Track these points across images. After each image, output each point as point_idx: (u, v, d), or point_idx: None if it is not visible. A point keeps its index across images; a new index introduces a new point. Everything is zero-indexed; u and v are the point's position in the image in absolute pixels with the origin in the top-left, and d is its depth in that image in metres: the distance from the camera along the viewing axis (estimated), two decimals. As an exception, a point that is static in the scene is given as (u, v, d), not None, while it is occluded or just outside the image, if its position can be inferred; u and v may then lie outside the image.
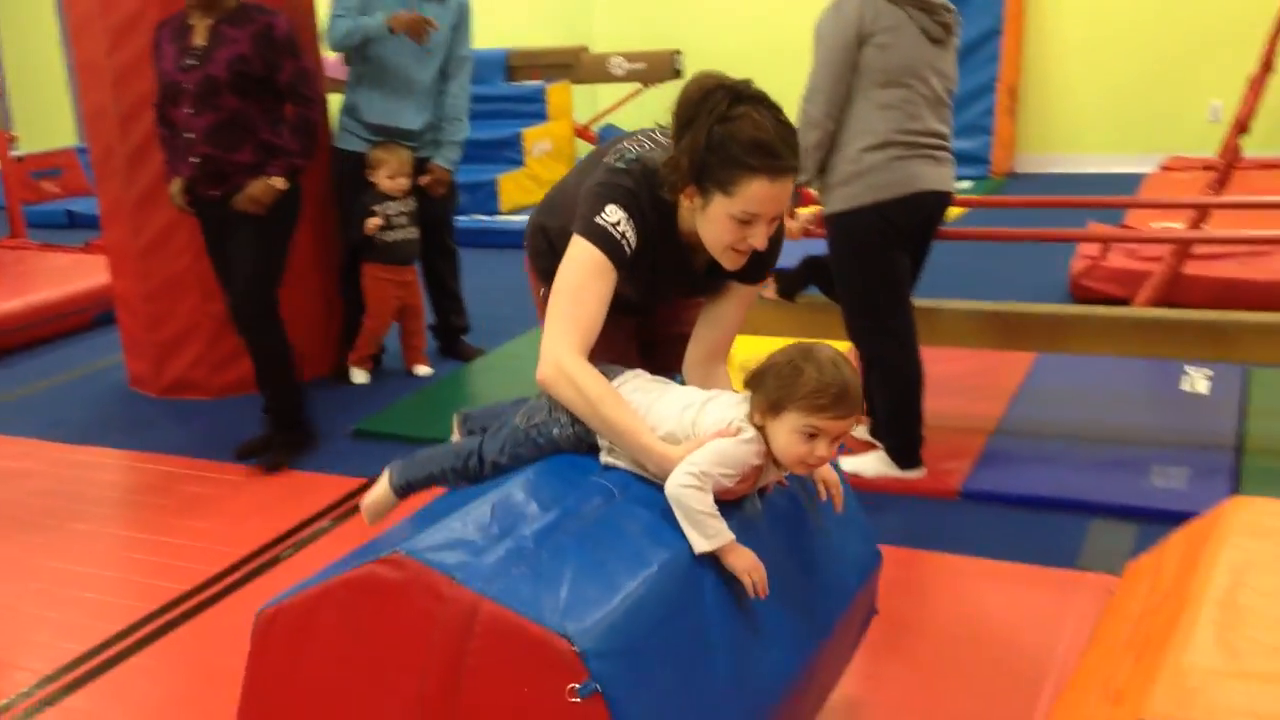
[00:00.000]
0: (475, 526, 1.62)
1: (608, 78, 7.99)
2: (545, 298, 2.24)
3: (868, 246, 3.08)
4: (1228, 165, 4.51)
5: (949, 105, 3.13)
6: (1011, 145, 8.13)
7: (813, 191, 3.27)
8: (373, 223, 4.31)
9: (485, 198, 7.20)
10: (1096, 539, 2.97)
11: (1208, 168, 6.61)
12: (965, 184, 7.72)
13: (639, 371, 1.98)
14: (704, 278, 2.10)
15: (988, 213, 6.48)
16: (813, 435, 1.72)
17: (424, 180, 4.47)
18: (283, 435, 3.75)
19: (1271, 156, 6.91)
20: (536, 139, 7.67)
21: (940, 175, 3.09)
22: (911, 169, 3.04)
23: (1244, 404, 3.72)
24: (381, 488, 2.16)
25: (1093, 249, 5.03)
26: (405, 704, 1.52)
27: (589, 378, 1.85)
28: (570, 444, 1.91)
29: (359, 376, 4.51)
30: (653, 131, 2.07)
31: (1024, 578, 2.73)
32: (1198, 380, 3.94)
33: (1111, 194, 6.38)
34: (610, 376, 1.90)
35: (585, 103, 8.28)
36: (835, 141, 3.06)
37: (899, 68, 3.01)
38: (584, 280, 1.91)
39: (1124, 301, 4.62)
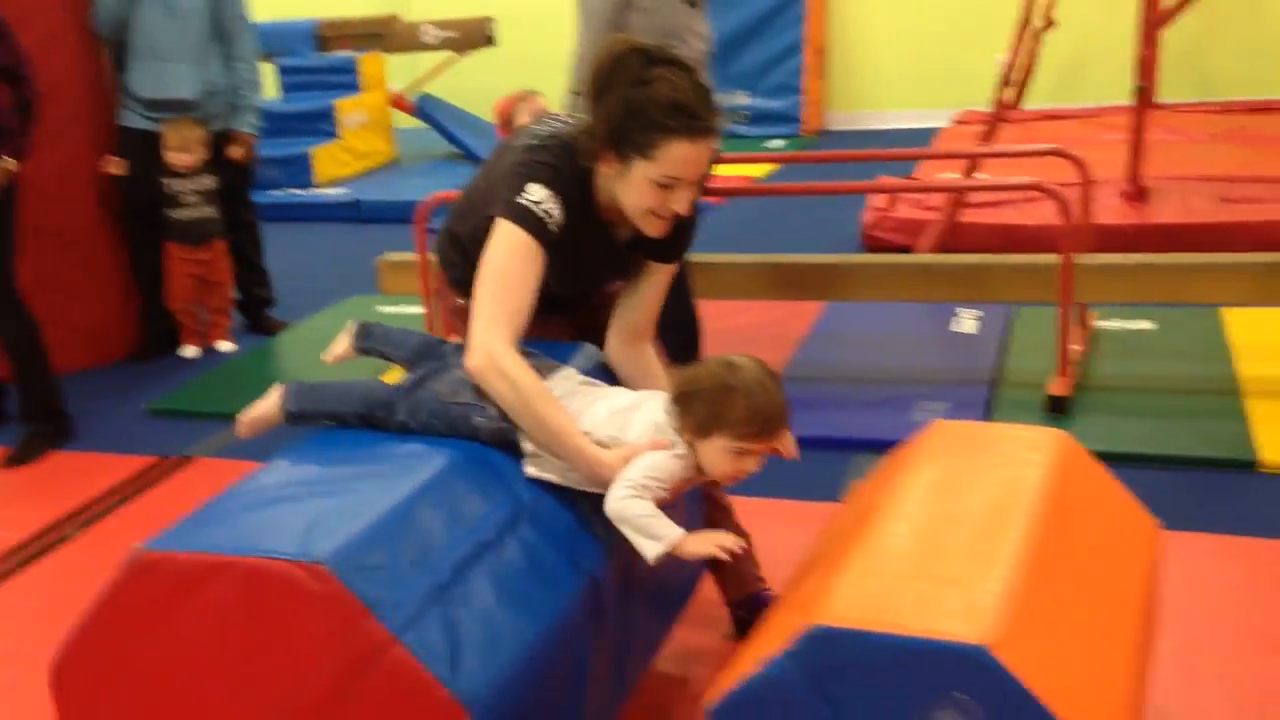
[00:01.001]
0: (390, 545, 1.59)
1: (421, 46, 7.94)
2: (453, 311, 2.24)
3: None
4: (996, 118, 4.78)
5: (708, 66, 3.27)
6: (821, 104, 8.39)
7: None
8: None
9: (298, 171, 7.11)
10: (857, 473, 3.17)
11: (996, 120, 7.03)
12: (778, 142, 7.98)
13: (569, 372, 1.94)
14: (628, 255, 2.06)
15: (799, 169, 6.75)
16: (741, 453, 1.75)
17: (233, 151, 4.44)
18: (38, 427, 3.64)
19: (1059, 108, 7.32)
20: (350, 111, 7.59)
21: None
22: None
23: (1005, 341, 3.99)
24: (269, 406, 2.03)
25: (881, 201, 5.28)
26: (269, 701, 1.54)
27: (522, 372, 1.80)
28: (489, 436, 1.86)
29: (189, 351, 4.48)
30: (555, 115, 2.06)
31: (786, 513, 2.90)
32: (967, 321, 4.20)
33: (910, 148, 6.68)
34: (541, 374, 1.85)
35: (404, 72, 8.22)
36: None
37: (661, 30, 3.12)
38: (510, 264, 1.86)
39: (911, 250, 4.88)
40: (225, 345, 4.52)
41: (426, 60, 8.12)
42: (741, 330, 4.18)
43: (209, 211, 4.40)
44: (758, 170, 6.84)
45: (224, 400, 3.77)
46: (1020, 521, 1.69)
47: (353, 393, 1.95)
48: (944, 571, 1.58)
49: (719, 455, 1.75)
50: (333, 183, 7.26)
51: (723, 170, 6.13)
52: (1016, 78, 4.77)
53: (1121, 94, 5.23)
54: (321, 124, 7.43)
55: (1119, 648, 1.63)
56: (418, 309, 4.11)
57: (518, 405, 1.80)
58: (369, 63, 7.82)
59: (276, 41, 7.62)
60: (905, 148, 6.69)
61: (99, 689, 1.64)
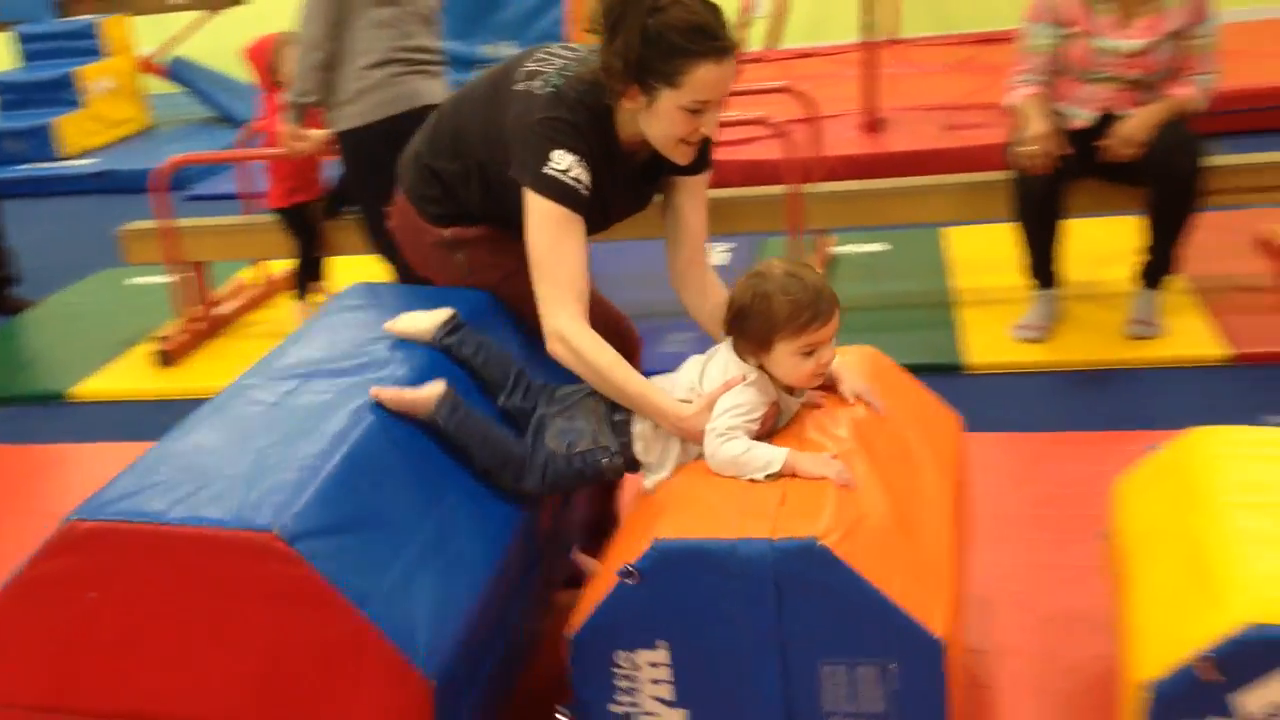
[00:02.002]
0: (337, 510, 1.56)
1: (169, 8, 7.63)
2: (435, 243, 2.12)
3: (379, 161, 3.21)
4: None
5: (437, 23, 3.32)
6: (587, 52, 8.48)
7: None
8: None
9: (40, 144, 6.76)
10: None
11: (753, 60, 7.26)
12: (546, 92, 8.02)
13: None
14: (647, 185, 2.04)
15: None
16: (810, 351, 1.75)
17: None
18: None
19: (815, 46, 7.61)
20: (95, 77, 7.24)
21: (438, 89, 3.27)
22: (413, 85, 3.19)
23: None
24: (425, 403, 1.81)
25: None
26: (216, 673, 1.53)
27: (595, 346, 1.82)
28: (616, 474, 1.88)
29: None
30: (548, 51, 1.97)
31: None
32: (718, 254, 4.39)
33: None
34: None
35: (156, 35, 7.88)
36: (337, 60, 3.17)
37: (389, -15, 3.15)
38: (558, 242, 1.84)
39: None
40: (-36, 328, 4.34)
41: (177, 21, 7.81)
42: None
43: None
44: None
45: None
46: (843, 427, 1.82)
47: (496, 445, 1.84)
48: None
49: (789, 361, 1.75)
50: (83, 154, 6.93)
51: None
52: (744, 20, 4.93)
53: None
54: (64, 93, 7.07)
55: (941, 536, 1.77)
56: (165, 278, 4.04)
57: (597, 379, 1.83)
58: (113, 26, 7.47)
59: (12, 9, 7.20)
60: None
61: (18, 663, 1.60)
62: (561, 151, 1.84)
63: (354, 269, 3.45)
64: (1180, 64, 3.30)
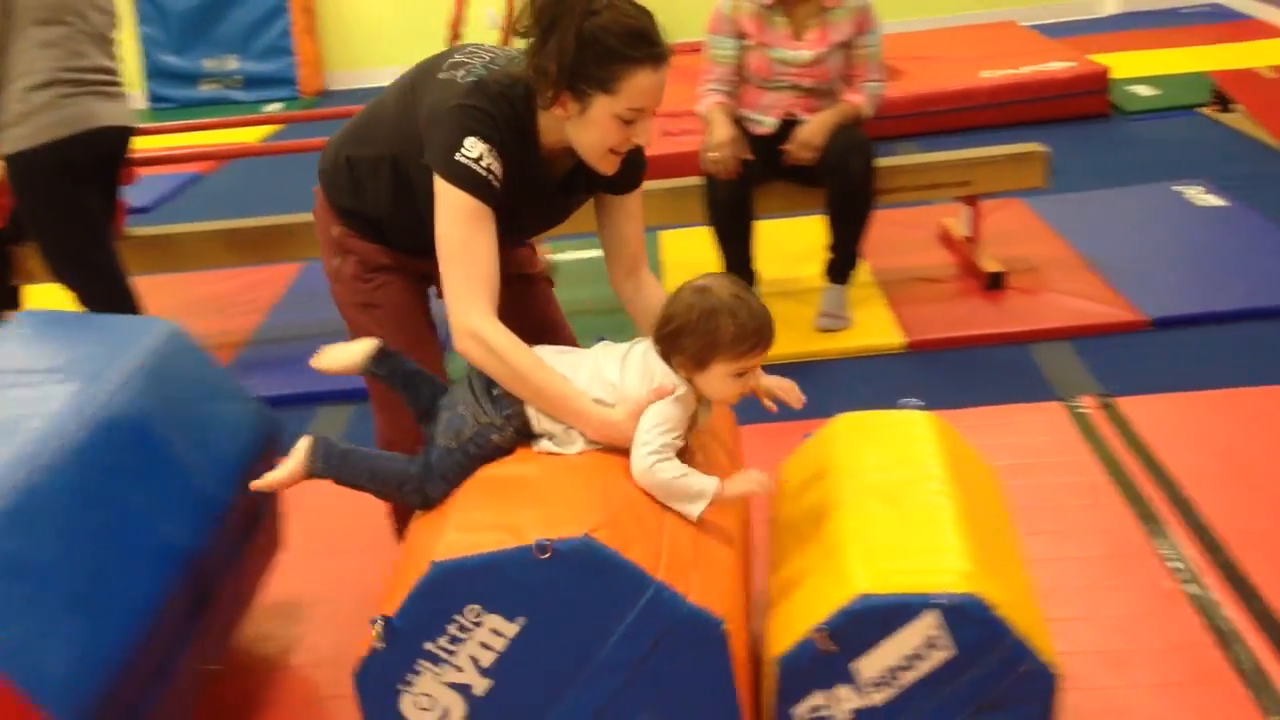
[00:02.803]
0: None
1: None
2: (327, 237, 2.07)
3: (50, 186, 3.08)
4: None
5: (113, 41, 3.19)
6: (318, 64, 8.31)
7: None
8: None
9: None
10: (322, 424, 3.29)
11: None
12: (276, 106, 7.82)
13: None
14: (562, 199, 1.97)
15: (301, 127, 6.64)
16: (743, 373, 1.74)
17: None
18: None
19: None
20: None
21: (116, 110, 3.15)
22: (85, 106, 3.06)
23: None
24: (296, 464, 1.82)
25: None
26: None
27: (510, 344, 1.75)
28: (510, 443, 1.79)
29: None
30: (477, 46, 1.89)
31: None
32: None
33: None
34: None
35: None
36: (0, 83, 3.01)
37: (57, 5, 3.00)
38: (469, 235, 1.76)
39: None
40: None
41: None
42: (213, 299, 4.15)
43: None
44: (252, 135, 6.69)
45: None
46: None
47: (387, 473, 1.82)
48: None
49: (721, 381, 1.74)
50: None
51: (214, 137, 6.04)
52: (456, 31, 4.96)
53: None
54: None
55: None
56: None
57: (512, 378, 1.75)
58: None
59: None
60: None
61: None
62: (475, 139, 1.76)
63: (51, 297, 3.29)
64: (851, 72, 3.52)
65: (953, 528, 1.72)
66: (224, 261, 3.93)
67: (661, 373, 1.75)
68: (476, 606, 1.57)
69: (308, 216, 4.18)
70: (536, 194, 1.91)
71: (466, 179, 1.76)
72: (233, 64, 7.99)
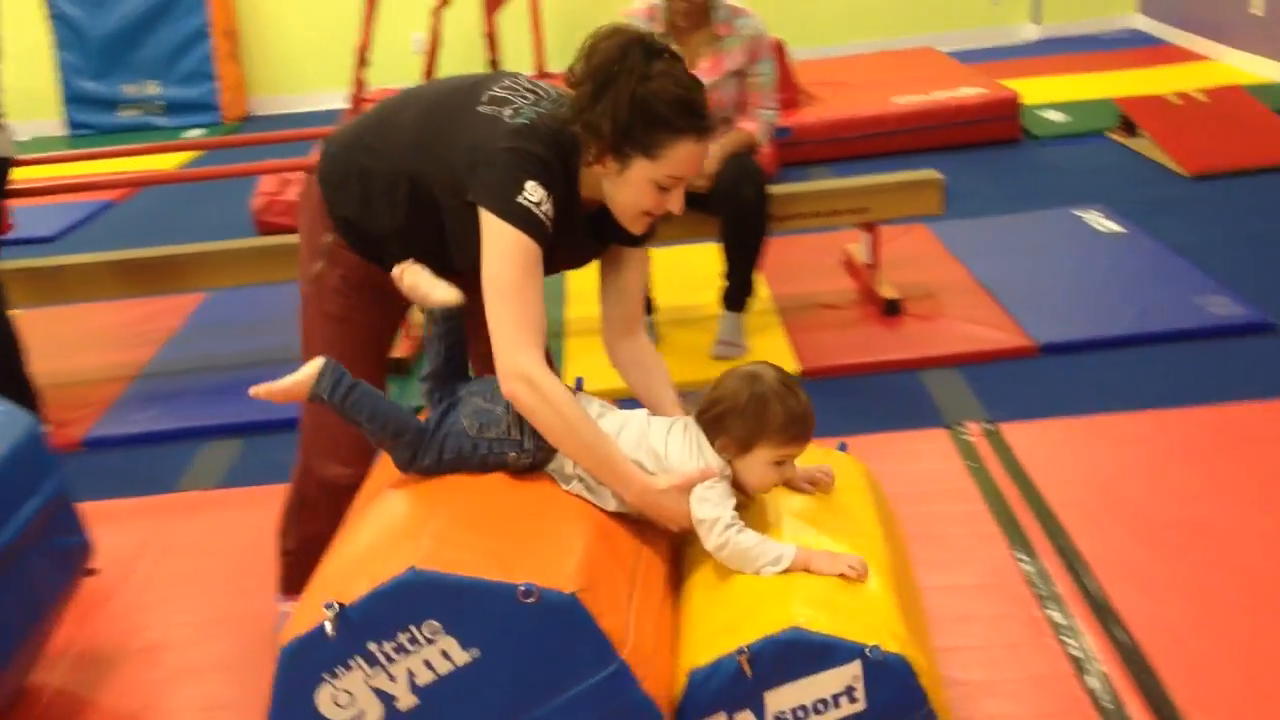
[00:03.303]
0: None
1: None
2: (312, 242, 2.00)
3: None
4: (356, 98, 4.94)
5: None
6: (241, 89, 8.23)
7: None
8: None
9: None
10: (204, 461, 3.23)
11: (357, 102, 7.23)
12: (197, 132, 7.72)
13: (587, 396, 1.85)
14: (592, 241, 1.95)
15: (221, 153, 6.58)
16: (781, 462, 1.74)
17: None
18: None
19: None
20: None
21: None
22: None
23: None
24: (303, 379, 1.75)
25: (271, 184, 5.29)
26: None
27: (564, 398, 1.72)
28: (522, 469, 1.76)
29: None
30: (514, 79, 1.88)
31: (117, 511, 2.89)
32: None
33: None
34: None
35: None
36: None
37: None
38: (525, 277, 1.73)
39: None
40: None
41: None
42: (104, 331, 4.07)
43: None
44: (171, 162, 6.59)
45: None
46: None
47: (386, 418, 1.77)
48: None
49: (762, 468, 1.75)
50: None
51: (129, 164, 5.92)
52: (363, 57, 4.92)
53: (523, 66, 5.59)
54: None
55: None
56: None
57: (563, 432, 1.71)
58: None
59: None
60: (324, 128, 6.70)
61: None
62: (535, 184, 1.75)
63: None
64: (745, 100, 3.53)
65: (886, 584, 1.70)
66: (112, 293, 3.85)
67: (711, 453, 1.76)
68: (437, 624, 1.51)
69: (204, 247, 4.23)
70: (572, 239, 1.91)
71: (528, 222, 1.75)
72: (153, 89, 7.89)
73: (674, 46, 1.80)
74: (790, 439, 1.74)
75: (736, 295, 3.60)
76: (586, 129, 1.75)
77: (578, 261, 2.03)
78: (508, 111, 1.81)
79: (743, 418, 1.73)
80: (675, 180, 1.78)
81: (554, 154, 1.78)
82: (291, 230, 5.00)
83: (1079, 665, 2.12)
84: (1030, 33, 8.10)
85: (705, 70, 3.45)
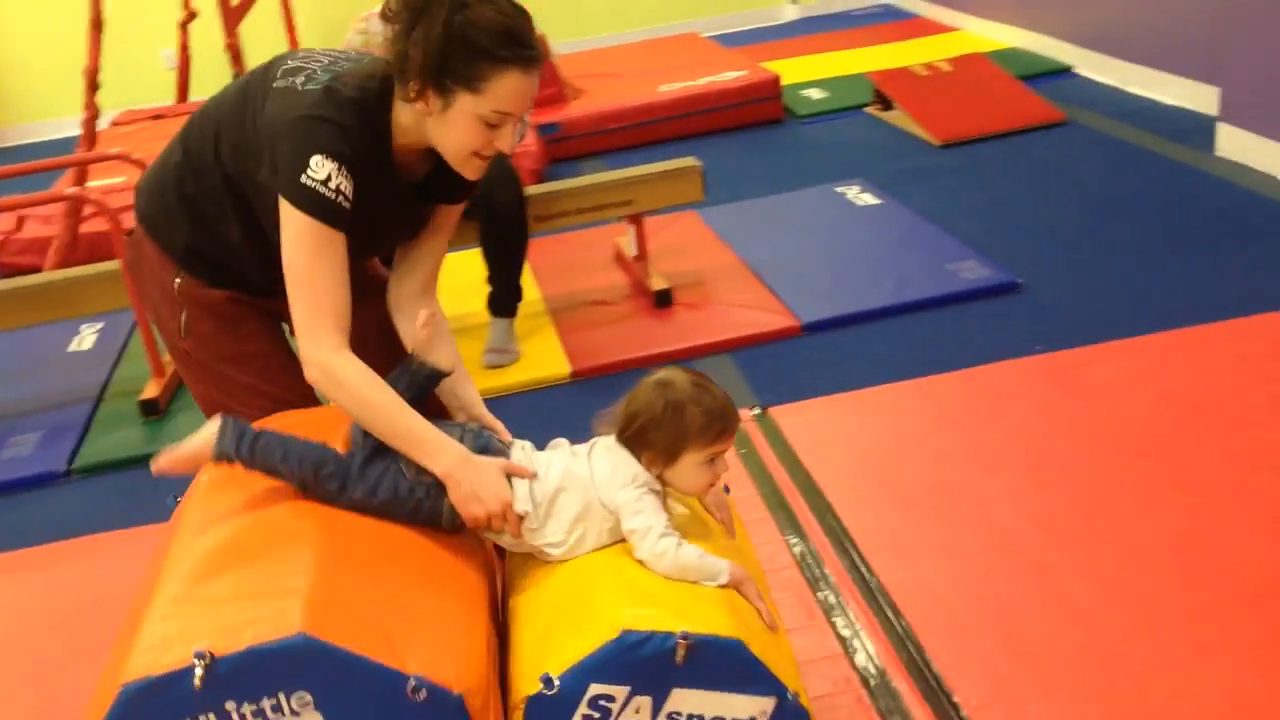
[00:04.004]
0: None
1: None
2: (162, 291, 1.93)
3: None
4: (90, 120, 4.64)
5: None
6: (-21, 119, 7.68)
7: None
8: None
9: None
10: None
11: (156, 117, 6.87)
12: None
13: (523, 443, 1.78)
14: (421, 207, 1.85)
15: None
16: (712, 459, 1.70)
17: None
18: None
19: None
20: None
21: None
22: None
23: (121, 353, 3.93)
24: (202, 443, 1.65)
25: (8, 222, 4.93)
26: None
27: (359, 379, 1.64)
28: (453, 527, 1.69)
29: None
30: (309, 50, 1.79)
31: None
32: (88, 337, 4.08)
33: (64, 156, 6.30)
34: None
35: None
36: None
37: None
38: (316, 264, 1.65)
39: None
40: None
41: None
42: None
43: None
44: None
45: None
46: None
47: (301, 455, 1.65)
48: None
49: (693, 471, 1.71)
50: None
51: None
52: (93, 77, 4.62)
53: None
54: None
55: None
56: None
57: (364, 415, 1.65)
58: None
59: None
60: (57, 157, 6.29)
61: None
62: (321, 157, 1.64)
63: None
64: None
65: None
66: None
67: (634, 465, 1.70)
68: (308, 696, 1.38)
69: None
70: (394, 204, 1.81)
71: (313, 203, 1.65)
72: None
73: None
74: (714, 437, 1.70)
75: (503, 301, 3.53)
76: (400, 60, 1.66)
77: (408, 230, 1.91)
78: (300, 79, 1.73)
79: (662, 428, 1.68)
80: (503, 116, 1.68)
81: (353, 114, 1.69)
82: (35, 270, 4.74)
83: (846, 645, 2.14)
84: (790, 13, 8.30)
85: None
